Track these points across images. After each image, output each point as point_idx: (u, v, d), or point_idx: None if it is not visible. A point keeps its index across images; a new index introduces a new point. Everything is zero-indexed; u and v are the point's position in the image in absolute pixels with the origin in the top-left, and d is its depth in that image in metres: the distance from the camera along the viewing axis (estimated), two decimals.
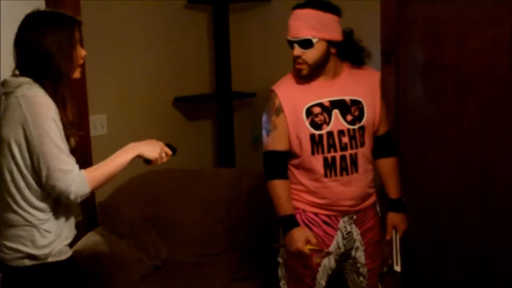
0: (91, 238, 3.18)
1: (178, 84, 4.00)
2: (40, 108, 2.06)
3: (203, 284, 3.16)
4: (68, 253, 2.28)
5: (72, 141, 2.25)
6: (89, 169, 2.19)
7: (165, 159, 2.33)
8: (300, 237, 2.51)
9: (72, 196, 2.10)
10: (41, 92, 2.10)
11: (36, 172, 2.10)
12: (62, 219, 2.23)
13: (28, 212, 2.15)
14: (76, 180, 2.09)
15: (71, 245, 2.33)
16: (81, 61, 2.24)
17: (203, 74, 4.15)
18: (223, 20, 3.98)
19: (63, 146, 2.09)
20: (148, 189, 3.56)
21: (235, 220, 3.54)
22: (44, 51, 2.14)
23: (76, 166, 2.13)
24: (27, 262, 2.17)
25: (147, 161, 2.30)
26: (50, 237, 2.19)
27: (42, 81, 2.13)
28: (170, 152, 2.35)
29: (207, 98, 4.12)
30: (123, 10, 3.65)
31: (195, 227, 3.54)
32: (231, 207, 3.57)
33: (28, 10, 2.22)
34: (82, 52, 2.24)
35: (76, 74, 2.24)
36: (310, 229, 2.61)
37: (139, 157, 2.27)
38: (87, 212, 3.33)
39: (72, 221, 2.29)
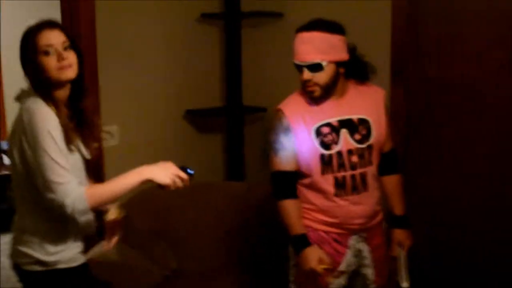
0: (101, 247, 3.22)
1: (189, 97, 4.04)
2: (37, 122, 2.09)
3: None
4: (79, 261, 2.33)
5: (83, 150, 2.29)
6: (91, 186, 2.22)
7: (179, 184, 2.21)
8: (314, 257, 2.53)
9: (68, 210, 2.10)
10: (42, 106, 2.14)
11: (35, 184, 2.14)
12: (73, 228, 2.27)
13: (37, 219, 2.21)
14: (72, 194, 2.10)
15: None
16: (61, 64, 2.17)
17: (214, 88, 4.19)
18: (236, 34, 4.03)
19: (60, 159, 2.10)
20: (158, 201, 3.59)
21: (243, 234, 3.56)
22: (23, 67, 2.21)
23: (73, 181, 2.13)
24: (38, 268, 2.23)
25: (161, 185, 2.21)
26: (60, 244, 2.25)
27: (37, 93, 2.18)
28: (185, 177, 2.22)
29: (218, 111, 4.16)
30: (137, 23, 3.70)
31: (204, 239, 3.56)
32: (240, 221, 3.59)
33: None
34: (51, 61, 2.16)
35: (63, 76, 2.19)
36: (321, 247, 2.62)
37: (150, 181, 2.20)
38: (98, 222, 3.37)
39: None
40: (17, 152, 2.17)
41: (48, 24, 2.21)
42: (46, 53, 2.16)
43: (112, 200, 2.25)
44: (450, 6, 3.27)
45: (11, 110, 2.26)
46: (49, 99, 2.17)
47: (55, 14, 2.78)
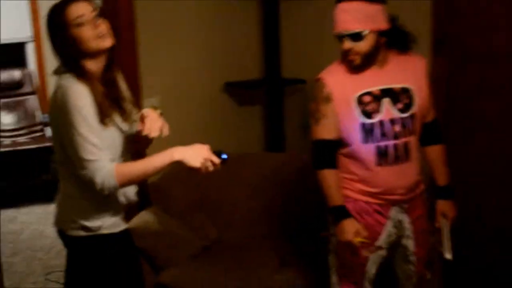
0: (144, 217, 3.27)
1: (229, 69, 4.04)
2: (68, 99, 2.11)
3: (253, 267, 3.19)
4: (121, 226, 2.38)
5: (120, 124, 2.27)
6: (122, 164, 2.22)
7: (210, 168, 2.18)
8: (351, 229, 2.52)
9: (97, 187, 2.13)
10: (75, 83, 2.14)
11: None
12: (113, 197, 2.29)
13: (79, 187, 2.24)
14: (102, 172, 2.12)
15: None
16: (98, 32, 2.15)
17: (253, 60, 4.17)
18: (274, 5, 4.00)
19: (90, 137, 2.11)
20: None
21: (283, 205, 3.57)
22: (54, 46, 2.20)
23: (104, 158, 2.14)
24: (82, 233, 2.28)
25: (191, 168, 2.18)
26: (102, 210, 2.28)
27: (69, 71, 2.18)
28: (217, 161, 2.18)
29: (257, 84, 4.15)
30: None
31: (243, 210, 3.59)
32: (279, 192, 3.60)
33: None
34: (87, 31, 2.15)
35: (103, 44, 2.17)
36: (362, 217, 2.62)
37: (181, 162, 2.18)
38: (141, 191, 3.41)
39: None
40: (54, 127, 2.23)
41: None
42: (80, 25, 2.14)
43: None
44: None
45: (53, 83, 2.27)
46: (82, 76, 2.17)
47: None
